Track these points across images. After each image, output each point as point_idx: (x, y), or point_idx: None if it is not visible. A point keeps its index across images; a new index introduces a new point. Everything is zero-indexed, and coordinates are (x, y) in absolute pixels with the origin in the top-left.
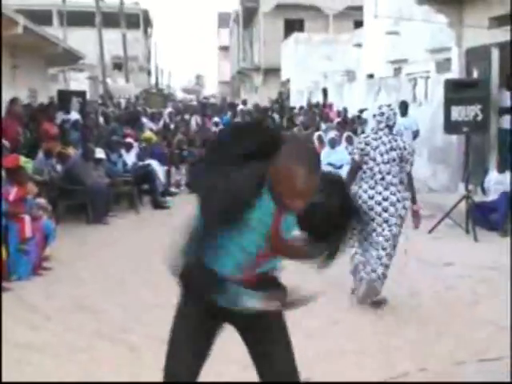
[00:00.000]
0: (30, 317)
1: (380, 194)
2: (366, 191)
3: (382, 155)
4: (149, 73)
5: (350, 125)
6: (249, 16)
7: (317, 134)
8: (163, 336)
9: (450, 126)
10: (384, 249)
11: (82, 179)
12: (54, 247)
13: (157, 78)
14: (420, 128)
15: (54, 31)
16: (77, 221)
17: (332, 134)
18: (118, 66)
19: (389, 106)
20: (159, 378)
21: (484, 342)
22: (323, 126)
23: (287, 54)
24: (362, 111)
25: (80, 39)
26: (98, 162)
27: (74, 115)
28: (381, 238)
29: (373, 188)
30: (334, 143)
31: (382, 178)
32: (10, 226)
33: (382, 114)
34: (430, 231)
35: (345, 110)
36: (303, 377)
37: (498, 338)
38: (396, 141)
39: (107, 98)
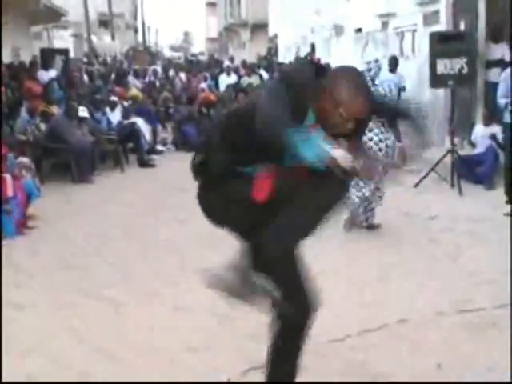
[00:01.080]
0: (14, 275)
1: (365, 134)
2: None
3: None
4: (135, 30)
5: None
6: None
7: None
8: (148, 291)
9: (436, 80)
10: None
11: (65, 138)
12: (39, 206)
13: (144, 36)
14: (407, 82)
15: None
16: (62, 180)
17: None
18: (103, 23)
19: (376, 61)
20: (143, 332)
21: (465, 294)
22: None
23: (275, 8)
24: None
25: None
26: (81, 121)
27: (53, 72)
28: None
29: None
30: None
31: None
32: None
33: (370, 69)
34: (416, 185)
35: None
36: None
37: (479, 290)
38: (378, 91)
39: (92, 55)
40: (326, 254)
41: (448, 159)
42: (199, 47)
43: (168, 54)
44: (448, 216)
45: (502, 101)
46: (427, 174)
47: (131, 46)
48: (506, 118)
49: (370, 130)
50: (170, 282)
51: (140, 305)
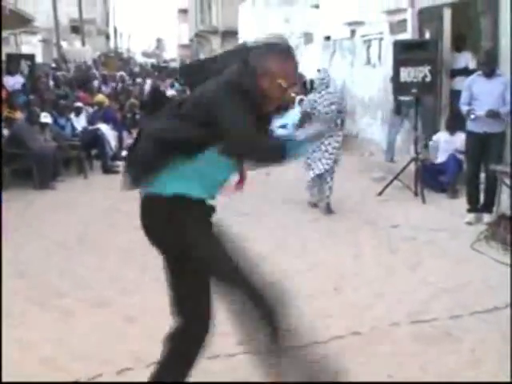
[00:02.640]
0: None
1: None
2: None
3: (324, 108)
4: (107, 36)
5: (305, 87)
6: None
7: None
8: (101, 300)
9: (399, 88)
10: (328, 170)
11: (27, 143)
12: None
13: (116, 42)
14: (374, 90)
15: None
16: (23, 186)
17: None
18: (75, 29)
19: (325, 70)
20: (89, 340)
21: (420, 304)
22: None
23: (244, 16)
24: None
25: (36, 2)
26: (44, 127)
27: (18, 78)
28: (324, 161)
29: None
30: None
31: (324, 119)
32: None
33: (323, 78)
34: (380, 194)
35: (300, 75)
36: None
37: (436, 300)
38: (334, 98)
39: (61, 61)
40: (282, 262)
41: (412, 167)
42: (171, 54)
43: (140, 60)
44: (410, 225)
45: (464, 108)
46: (391, 182)
47: (102, 51)
48: (468, 126)
49: None
50: (124, 290)
51: (90, 314)
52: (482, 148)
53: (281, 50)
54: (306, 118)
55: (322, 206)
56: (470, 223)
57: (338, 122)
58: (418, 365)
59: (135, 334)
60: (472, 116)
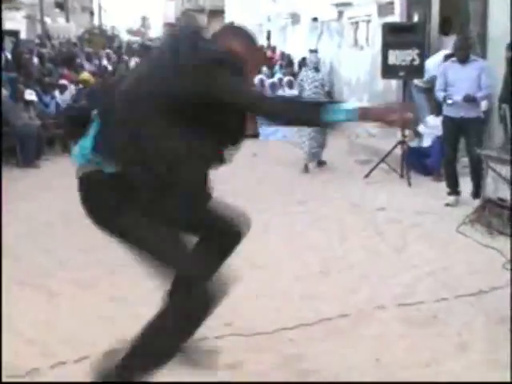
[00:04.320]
0: None
1: None
2: None
3: (309, 84)
4: (91, 13)
5: (292, 68)
6: None
7: (258, 77)
8: (85, 281)
9: (387, 71)
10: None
11: (10, 121)
12: None
13: (100, 19)
14: (361, 72)
15: None
16: (7, 164)
17: (275, 78)
18: (59, 5)
19: (315, 51)
20: (75, 322)
21: (406, 287)
22: (264, 69)
23: None
24: (312, 51)
25: None
26: (28, 104)
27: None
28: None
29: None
30: (274, 87)
31: (309, 95)
32: None
33: (312, 59)
34: (366, 176)
35: (288, 56)
36: None
37: (421, 283)
38: (318, 75)
39: (45, 38)
40: (269, 245)
41: (398, 150)
42: (157, 32)
43: (125, 37)
44: (395, 208)
45: (440, 94)
46: (377, 165)
47: (86, 28)
48: (445, 111)
49: None
50: (109, 271)
51: (75, 295)
52: (459, 133)
53: (241, 31)
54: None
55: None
56: (449, 205)
57: (322, 96)
58: (405, 347)
59: (122, 315)
60: (449, 101)
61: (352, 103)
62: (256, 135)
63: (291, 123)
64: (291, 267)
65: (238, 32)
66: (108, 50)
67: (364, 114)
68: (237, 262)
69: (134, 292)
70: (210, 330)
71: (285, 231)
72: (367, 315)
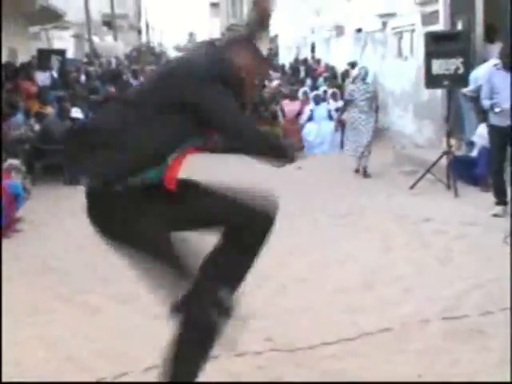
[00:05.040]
0: None
1: (359, 114)
2: (354, 113)
3: (360, 96)
4: (139, 31)
5: (336, 80)
6: None
7: (302, 89)
8: (128, 297)
9: (431, 80)
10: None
11: (57, 138)
12: (28, 209)
13: (148, 36)
14: (405, 83)
15: None
16: (54, 182)
17: (320, 90)
18: (107, 24)
19: (355, 64)
20: (115, 337)
21: (452, 300)
22: (309, 81)
23: (276, 8)
24: (352, 65)
25: None
26: (74, 121)
27: (49, 73)
28: (364, 137)
29: (355, 112)
30: (318, 99)
31: (359, 106)
32: None
33: (360, 73)
34: (411, 187)
35: (332, 67)
36: None
37: (467, 296)
38: (368, 87)
39: (93, 56)
40: (311, 258)
41: (444, 161)
42: None
43: (173, 54)
44: (442, 219)
45: (486, 102)
46: (423, 176)
47: (134, 46)
48: (492, 120)
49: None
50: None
51: (118, 311)
52: (506, 141)
53: (248, 44)
54: (347, 106)
55: (361, 171)
56: (496, 215)
57: (373, 107)
58: (448, 362)
59: (162, 330)
60: (497, 110)
61: None
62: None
63: (258, 154)
64: (333, 280)
65: (245, 42)
66: (152, 67)
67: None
68: (278, 275)
69: None
70: (249, 345)
71: (328, 243)
72: (411, 329)
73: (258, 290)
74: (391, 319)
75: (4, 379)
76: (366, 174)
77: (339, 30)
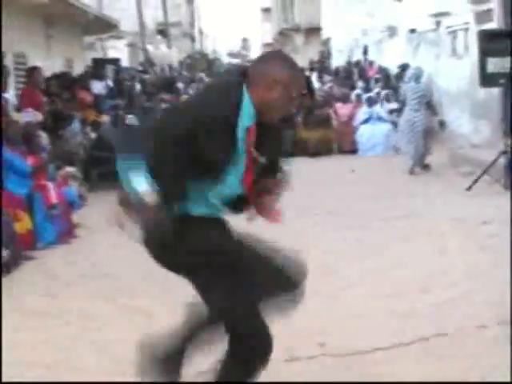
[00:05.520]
0: (49, 284)
1: (412, 112)
2: (407, 113)
3: (411, 95)
4: (192, 38)
5: (389, 82)
6: None
7: (355, 92)
8: (179, 302)
9: (486, 79)
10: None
11: (112, 146)
12: (84, 215)
13: (201, 43)
14: (461, 82)
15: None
16: (110, 189)
17: (373, 92)
18: (161, 32)
19: (418, 67)
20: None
21: (508, 305)
22: (361, 84)
23: (327, 12)
24: (403, 67)
25: (122, 7)
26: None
27: (104, 82)
28: (416, 134)
29: (409, 111)
30: (371, 102)
31: (412, 105)
32: (35, 195)
33: (413, 73)
34: (468, 189)
35: (385, 69)
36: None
37: None
38: (420, 87)
39: (148, 64)
40: (365, 262)
41: (502, 161)
42: (257, 53)
43: (226, 60)
44: (500, 221)
45: None
46: (480, 177)
47: (188, 53)
48: None
49: (413, 110)
50: None
51: (173, 316)
52: None
53: (283, 57)
54: (403, 107)
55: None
56: None
57: (425, 106)
58: (506, 368)
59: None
60: None
61: None
62: (354, 151)
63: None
64: (388, 284)
65: (282, 58)
66: (201, 74)
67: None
68: (330, 280)
69: None
70: (301, 350)
71: (382, 247)
72: (467, 334)
73: (311, 294)
74: (447, 324)
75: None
76: (425, 167)
77: (392, 31)
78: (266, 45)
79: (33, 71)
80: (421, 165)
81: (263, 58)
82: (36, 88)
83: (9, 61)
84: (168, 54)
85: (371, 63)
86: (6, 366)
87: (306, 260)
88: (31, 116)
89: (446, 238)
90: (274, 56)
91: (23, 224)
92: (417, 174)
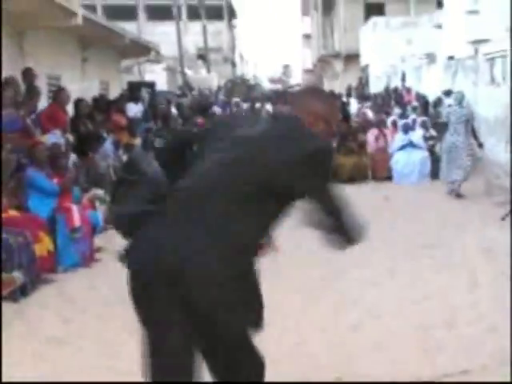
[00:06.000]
0: (66, 309)
1: (455, 136)
2: (450, 137)
3: (455, 119)
4: (233, 64)
5: (426, 108)
6: (328, 1)
7: (391, 118)
8: None
9: None
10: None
11: (142, 169)
12: (110, 238)
13: (242, 69)
14: (498, 110)
15: (140, 25)
16: None
17: (409, 118)
18: (202, 57)
19: (460, 91)
20: None
21: None
22: (397, 110)
23: (366, 38)
24: (447, 93)
25: (163, 32)
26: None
27: (140, 106)
28: (458, 161)
29: (452, 135)
30: (407, 128)
31: (455, 129)
32: (58, 217)
33: (456, 97)
34: (502, 219)
35: (423, 96)
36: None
37: None
38: (464, 111)
39: (186, 88)
40: (391, 293)
41: None
42: (297, 79)
43: (267, 86)
44: None
45: None
46: None
47: (228, 78)
48: None
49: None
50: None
51: None
52: None
53: (322, 93)
54: (444, 129)
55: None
56: None
57: (469, 130)
58: None
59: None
60: None
61: None
62: (389, 178)
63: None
64: (413, 316)
65: (320, 93)
66: (237, 99)
67: None
68: (353, 308)
69: None
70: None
71: (410, 277)
72: (491, 372)
73: (331, 323)
74: (472, 360)
75: None
76: (458, 195)
77: (431, 58)
78: (307, 71)
79: (59, 92)
80: (456, 192)
81: (303, 94)
82: (61, 108)
83: (42, 82)
84: (207, 79)
85: (409, 90)
86: None
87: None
88: (58, 137)
89: (476, 270)
90: (314, 92)
91: (43, 246)
92: (463, 197)
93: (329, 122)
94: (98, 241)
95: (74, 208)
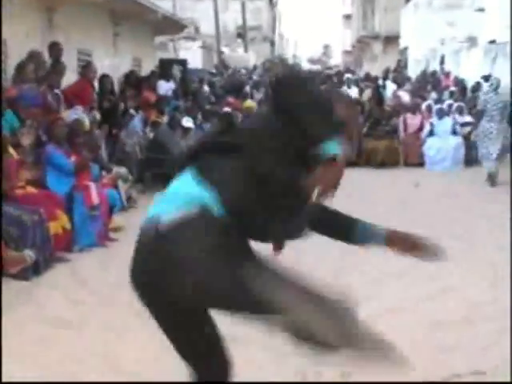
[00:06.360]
0: (76, 290)
1: (491, 123)
2: (486, 123)
3: (491, 106)
4: (272, 43)
5: (464, 94)
6: None
7: (426, 103)
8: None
9: None
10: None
11: (168, 148)
12: (131, 217)
13: (281, 48)
14: None
15: (179, 1)
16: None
17: (444, 104)
18: (241, 35)
19: (496, 78)
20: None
21: None
22: (434, 94)
23: (406, 20)
24: (486, 78)
25: (203, 9)
26: (186, 131)
27: (171, 84)
28: (491, 148)
29: (488, 121)
30: (441, 114)
31: (491, 115)
32: (75, 195)
33: (492, 84)
34: None
35: (461, 81)
36: None
37: None
38: (500, 97)
39: (222, 67)
40: (408, 287)
41: None
42: (337, 60)
43: (307, 66)
44: None
45: None
46: None
47: (266, 58)
48: None
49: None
50: None
51: None
52: None
53: (343, 99)
54: (480, 115)
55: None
56: None
57: (505, 117)
58: None
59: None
60: None
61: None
62: (421, 164)
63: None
64: (430, 313)
65: (340, 95)
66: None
67: (391, 240)
68: (369, 303)
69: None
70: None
71: (429, 271)
72: (503, 374)
73: None
74: (485, 361)
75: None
76: (493, 183)
77: (472, 42)
78: (346, 52)
79: (86, 67)
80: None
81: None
82: (88, 84)
83: (72, 58)
84: (244, 58)
85: (447, 74)
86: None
87: None
88: (79, 114)
89: (499, 266)
90: (336, 99)
91: (59, 223)
92: (498, 184)
93: (349, 129)
94: (119, 220)
95: (93, 186)
